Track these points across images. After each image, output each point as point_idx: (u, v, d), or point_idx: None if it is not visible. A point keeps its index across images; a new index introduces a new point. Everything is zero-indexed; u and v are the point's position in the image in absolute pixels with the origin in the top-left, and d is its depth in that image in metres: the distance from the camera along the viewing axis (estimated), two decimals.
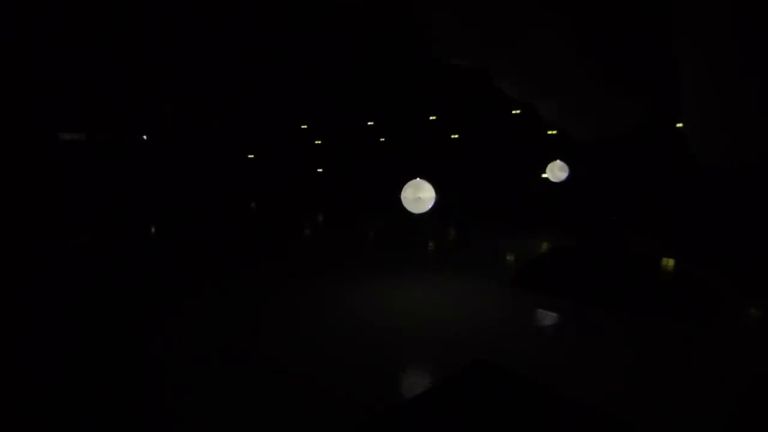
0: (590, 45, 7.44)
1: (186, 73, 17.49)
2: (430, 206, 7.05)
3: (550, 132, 14.79)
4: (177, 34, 16.69)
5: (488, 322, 5.87)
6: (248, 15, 16.29)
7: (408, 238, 11.44)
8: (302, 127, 18.71)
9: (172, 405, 3.89)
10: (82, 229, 11.88)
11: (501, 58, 7.97)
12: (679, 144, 11.70)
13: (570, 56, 7.76)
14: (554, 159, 12.15)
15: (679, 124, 11.48)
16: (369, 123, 17.57)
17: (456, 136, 16.38)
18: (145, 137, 17.25)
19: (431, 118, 16.82)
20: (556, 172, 12.14)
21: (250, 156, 18.97)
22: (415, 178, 7.24)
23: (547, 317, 6.08)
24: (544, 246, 10.44)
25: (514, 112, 15.43)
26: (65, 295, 6.70)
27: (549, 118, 10.25)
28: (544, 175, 12.63)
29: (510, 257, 9.49)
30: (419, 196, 6.99)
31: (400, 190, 7.23)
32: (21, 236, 10.92)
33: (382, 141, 17.51)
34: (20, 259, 8.81)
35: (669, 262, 8.79)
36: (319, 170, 18.41)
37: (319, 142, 18.54)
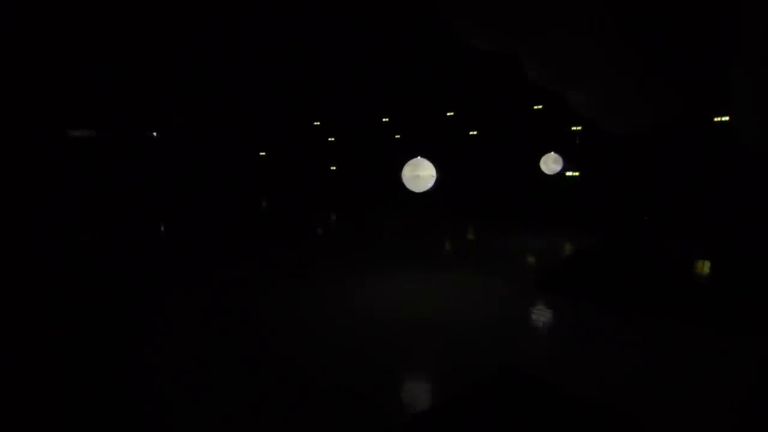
0: (630, 32, 6.90)
1: (197, 70, 17.19)
2: (429, 184, 7.02)
3: (574, 128, 14.10)
4: (188, 31, 16.43)
5: (514, 327, 5.41)
6: (260, 11, 15.95)
7: (423, 236, 10.91)
8: (315, 123, 18.24)
9: (177, 396, 3.82)
10: (89, 225, 11.70)
11: (532, 42, 7.48)
12: (718, 139, 11.02)
13: (607, 43, 7.21)
14: (548, 151, 12.10)
15: (719, 118, 10.74)
16: (384, 119, 17.03)
17: (474, 132, 15.76)
18: (155, 134, 16.98)
19: (449, 114, 16.23)
20: (550, 164, 12.08)
21: (261, 153, 18.57)
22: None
23: (577, 323, 5.53)
24: (566, 246, 9.81)
25: (536, 107, 14.77)
26: (72, 288, 6.67)
27: (579, 110, 9.61)
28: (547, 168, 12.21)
29: (531, 258, 8.90)
30: (418, 173, 7.01)
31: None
32: (30, 232, 10.73)
33: (397, 138, 16.96)
34: (29, 254, 8.68)
35: (704, 266, 8.12)
36: (333, 168, 17.89)
37: (332, 139, 18.05)
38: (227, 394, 3.82)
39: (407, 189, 7.48)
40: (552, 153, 12.07)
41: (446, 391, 3.90)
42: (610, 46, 7.22)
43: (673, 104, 8.57)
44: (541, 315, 5.76)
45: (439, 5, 6.82)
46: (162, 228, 12.01)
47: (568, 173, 14.09)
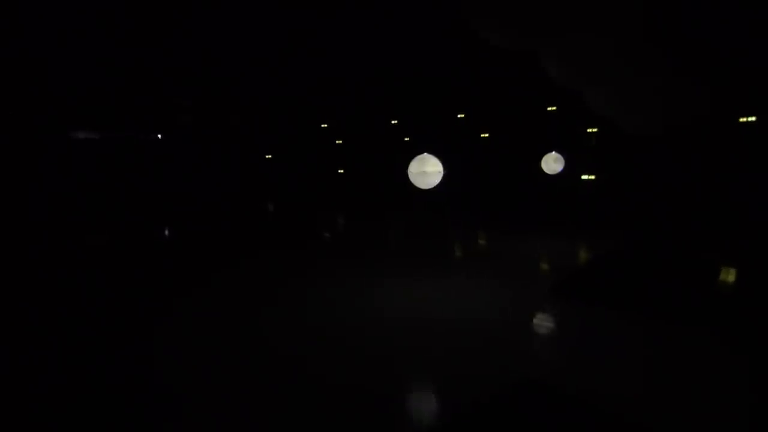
0: (656, 28, 6.58)
1: (203, 71, 17.02)
2: (436, 181, 6.91)
3: (589, 130, 13.66)
4: (194, 32, 16.29)
5: (532, 336, 5.05)
6: (268, 10, 15.75)
7: (432, 238, 10.56)
8: (322, 126, 17.96)
9: (184, 395, 3.75)
10: (97, 227, 11.50)
11: (551, 42, 7.17)
12: (743, 139, 10.57)
13: (630, 42, 6.88)
14: (549, 151, 11.68)
15: (745, 118, 10.28)
16: (393, 122, 16.71)
17: (486, 135, 15.37)
18: (159, 136, 16.79)
19: (459, 116, 15.87)
20: (551, 164, 11.71)
21: (267, 156, 18.31)
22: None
23: (598, 331, 5.11)
24: (582, 250, 9.39)
25: (549, 109, 14.36)
26: (79, 291, 6.55)
27: (598, 110, 9.22)
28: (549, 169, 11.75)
29: (545, 262, 8.50)
30: (424, 170, 6.94)
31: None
32: (36, 234, 10.55)
33: (406, 141, 16.61)
34: (35, 257, 8.50)
35: (731, 272, 7.67)
36: (340, 171, 17.58)
37: (340, 141, 17.74)
38: (235, 394, 3.72)
39: (416, 189, 7.32)
40: (553, 152, 11.75)
41: (459, 404, 3.55)
42: (633, 45, 6.88)
43: (699, 104, 8.17)
44: (560, 323, 5.35)
45: (458, 5, 6.58)
46: (167, 229, 11.78)
47: (584, 176, 13.67)
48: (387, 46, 15.53)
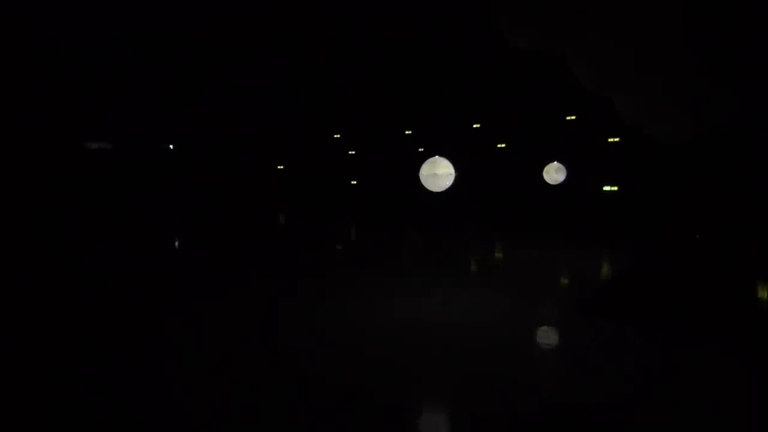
0: (692, 29, 6.21)
1: (216, 82, 16.95)
2: (448, 183, 6.99)
3: (611, 140, 13.22)
4: (207, 45, 16.28)
5: (560, 357, 4.62)
6: (279, 23, 15.68)
7: (449, 249, 10.15)
8: (335, 136, 17.73)
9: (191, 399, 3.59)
10: (106, 235, 11.35)
11: (580, 41, 6.83)
12: None
13: (665, 41, 6.51)
14: (552, 161, 11.91)
15: None
16: (407, 132, 16.42)
17: (503, 145, 15.00)
18: (171, 146, 16.69)
19: (475, 126, 15.55)
20: (553, 174, 11.82)
21: (279, 167, 18.10)
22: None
23: (634, 351, 4.63)
24: (605, 263, 8.94)
25: (568, 118, 13.96)
26: (90, 295, 6.43)
27: (626, 116, 8.82)
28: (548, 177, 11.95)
29: (568, 275, 8.07)
30: (435, 172, 6.99)
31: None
32: (48, 241, 10.37)
33: (421, 151, 16.28)
34: (47, 263, 8.30)
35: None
36: (353, 182, 17.28)
37: (353, 152, 17.48)
38: (244, 399, 3.53)
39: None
40: (555, 162, 11.85)
41: None
42: (665, 51, 6.52)
43: (730, 111, 7.76)
44: (590, 342, 4.85)
45: (483, 5, 6.32)
46: (177, 240, 11.55)
47: (606, 187, 13.21)
48: (400, 54, 15.31)
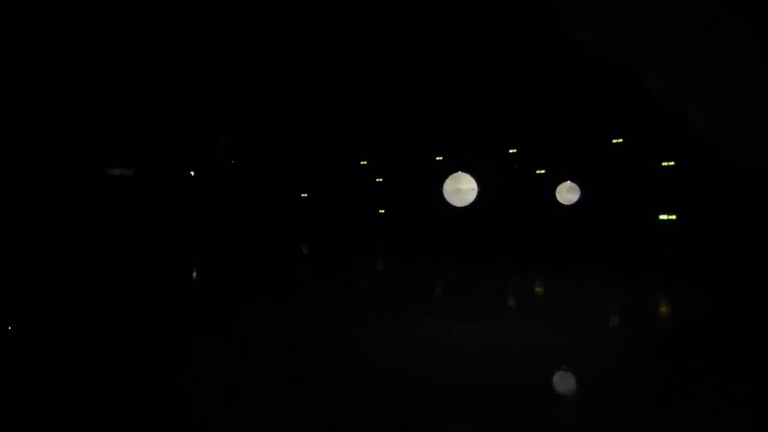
0: None
1: (238, 107, 16.64)
2: (471, 198, 7.40)
3: (665, 164, 12.02)
4: (231, 72, 16.07)
5: (648, 414, 3.57)
6: (303, 46, 15.37)
7: (484, 282, 9.04)
8: (362, 163, 17.01)
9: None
10: (130, 261, 10.93)
11: (657, 46, 5.94)
12: None
13: (751, 54, 5.58)
14: (564, 180, 11.89)
15: None
16: (438, 158, 15.56)
17: (542, 171, 13.93)
18: (192, 173, 16.26)
19: (511, 151, 14.60)
20: (565, 193, 11.79)
21: (303, 195, 17.39)
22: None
23: (719, 400, 3.75)
24: (672, 301, 7.72)
25: (615, 141, 12.89)
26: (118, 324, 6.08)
27: (702, 129, 7.73)
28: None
29: (629, 315, 6.86)
30: (458, 187, 7.40)
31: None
32: (67, 265, 9.95)
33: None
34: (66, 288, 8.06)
35: None
36: (381, 211, 16.39)
37: (381, 180, 16.68)
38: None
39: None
40: (567, 182, 11.70)
41: None
42: (752, 61, 5.57)
43: None
44: (686, 397, 3.81)
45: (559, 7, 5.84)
46: (197, 268, 10.88)
47: (662, 216, 11.95)
48: (432, 77, 14.69)
